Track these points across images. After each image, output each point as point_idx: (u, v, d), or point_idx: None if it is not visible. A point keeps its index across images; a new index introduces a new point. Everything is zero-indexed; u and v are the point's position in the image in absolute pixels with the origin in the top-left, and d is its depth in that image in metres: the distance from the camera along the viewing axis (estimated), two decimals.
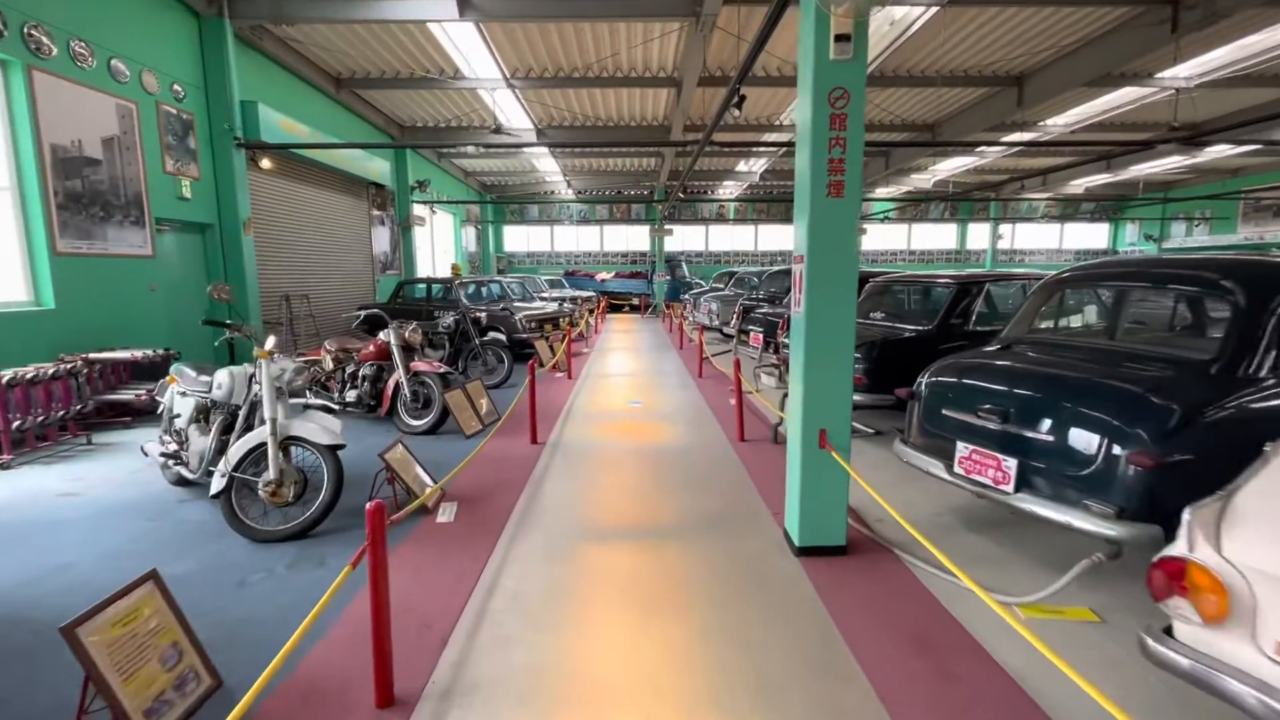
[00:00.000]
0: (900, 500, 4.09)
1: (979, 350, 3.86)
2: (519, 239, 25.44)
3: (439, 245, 18.76)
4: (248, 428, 3.84)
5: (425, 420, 5.86)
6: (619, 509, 4.00)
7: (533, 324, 10.35)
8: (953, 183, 21.64)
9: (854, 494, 3.49)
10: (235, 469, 3.55)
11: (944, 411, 3.54)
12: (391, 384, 5.93)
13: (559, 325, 10.95)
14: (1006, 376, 3.30)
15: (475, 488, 4.42)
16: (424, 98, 12.37)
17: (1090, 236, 26.38)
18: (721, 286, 15.54)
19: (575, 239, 25.52)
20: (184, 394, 4.15)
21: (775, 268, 12.56)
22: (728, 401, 7.21)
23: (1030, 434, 3.01)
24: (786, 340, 6.34)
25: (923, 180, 21.56)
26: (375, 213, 13.40)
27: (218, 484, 3.52)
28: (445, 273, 18.60)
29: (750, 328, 8.60)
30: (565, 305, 12.44)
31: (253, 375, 3.86)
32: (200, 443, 3.94)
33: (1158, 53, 9.43)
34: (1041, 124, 14.60)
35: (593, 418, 6.54)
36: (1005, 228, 25.39)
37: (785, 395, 6.22)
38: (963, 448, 3.36)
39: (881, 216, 23.68)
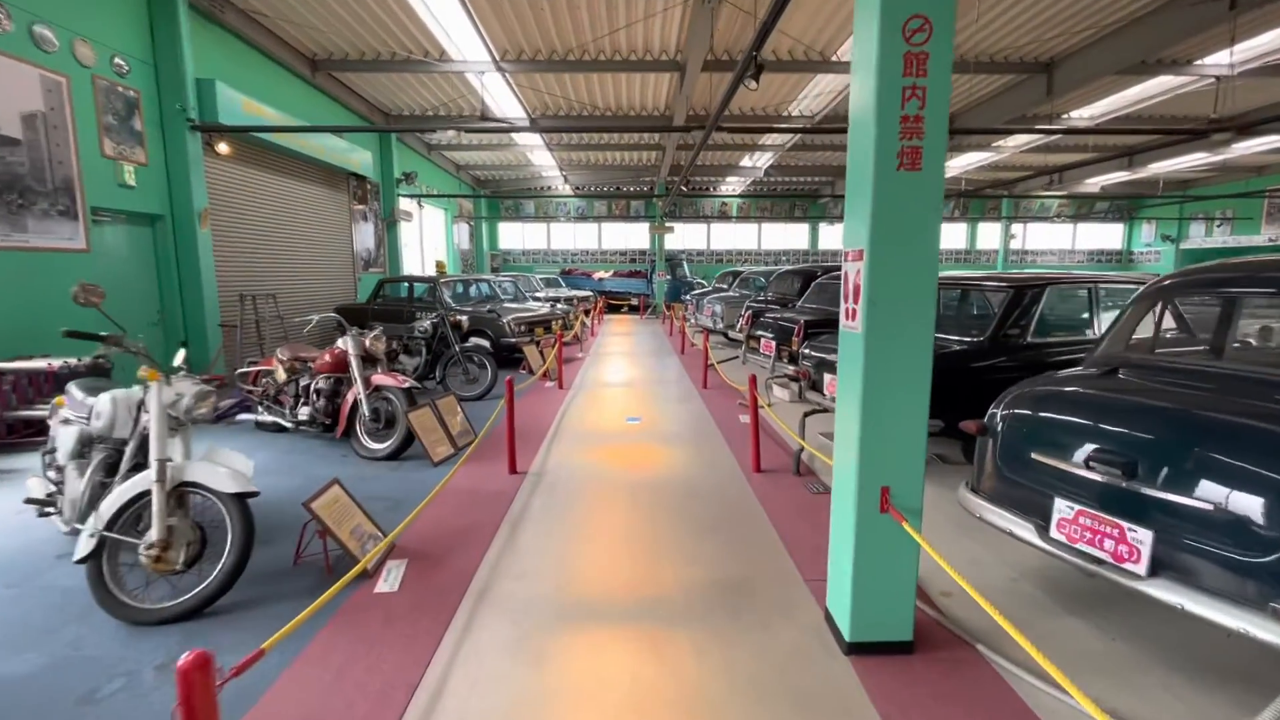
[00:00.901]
0: (963, 559, 3.26)
1: (1075, 374, 3.02)
2: (514, 236, 24.60)
3: (429, 242, 17.91)
4: (136, 468, 3.00)
5: (386, 444, 5.03)
6: (610, 575, 3.16)
7: (522, 327, 9.51)
8: (965, 180, 20.82)
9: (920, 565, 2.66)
10: (109, 526, 2.71)
11: (1033, 455, 2.71)
12: (349, 401, 5.09)
13: (551, 328, 10.12)
14: (1128, 412, 2.47)
15: (433, 538, 3.58)
16: (408, 84, 11.53)
17: (1104, 237, 25.57)
18: (725, 287, 14.71)
19: (572, 236, 24.68)
20: (66, 421, 3.31)
21: (784, 267, 11.72)
22: (737, 418, 6.38)
23: (1173, 497, 2.18)
24: (809, 351, 5.50)
25: None
26: (357, 207, 12.55)
27: (84, 546, 2.69)
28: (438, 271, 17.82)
29: (761, 333, 7.76)
30: (559, 306, 11.62)
31: (141, 402, 3.03)
32: (77, 485, 3.11)
33: (1207, 34, 8.62)
34: (1065, 117, 13.78)
35: (584, 438, 5.71)
36: (1017, 227, 24.56)
37: (807, 414, 5.40)
38: (1065, 507, 2.53)
39: None
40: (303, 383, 5.46)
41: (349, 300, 11.80)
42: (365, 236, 13.05)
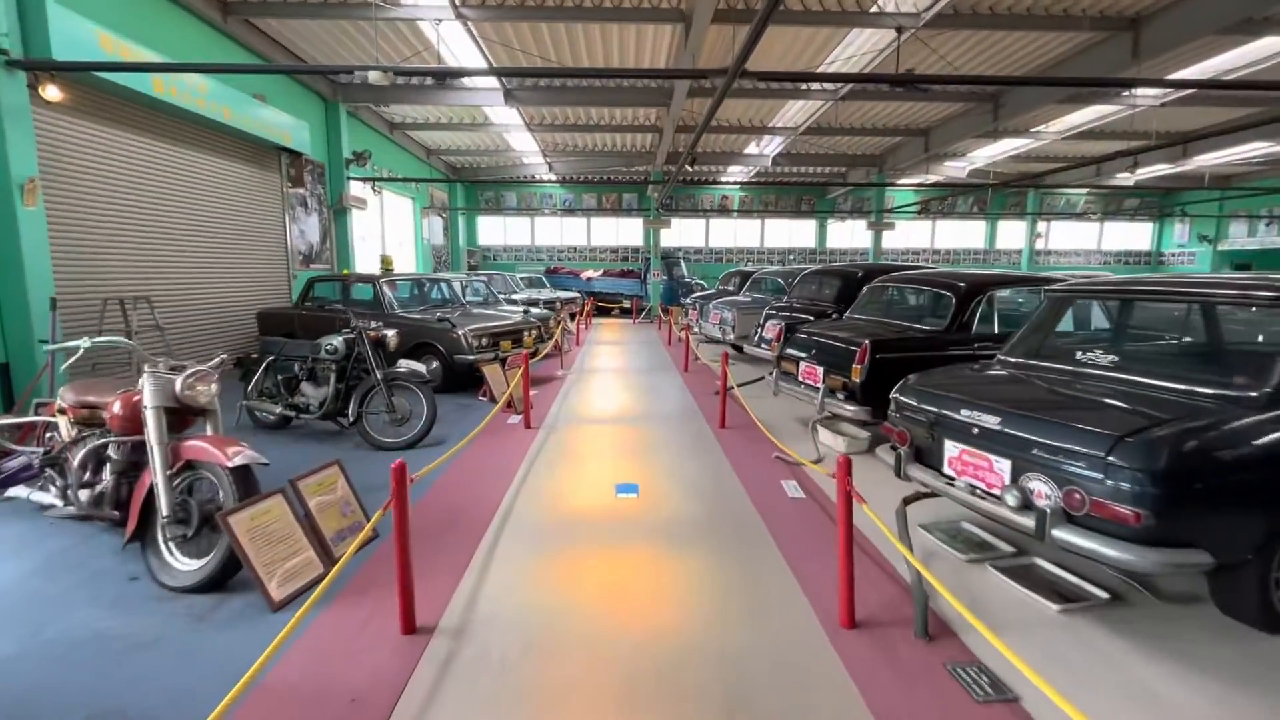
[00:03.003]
0: None
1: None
2: (495, 231, 22.44)
3: (393, 236, 15.75)
4: None
5: (200, 563, 2.92)
6: None
7: (484, 340, 7.41)
8: (993, 173, 18.90)
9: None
10: None
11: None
12: (143, 486, 2.99)
13: (522, 341, 8.02)
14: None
15: None
16: (348, 35, 9.37)
17: (1131, 237, 23.76)
18: (732, 289, 12.67)
19: (559, 232, 22.56)
20: None
21: (808, 267, 9.69)
22: (779, 486, 4.31)
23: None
24: (914, 401, 3.46)
25: (956, 169, 18.81)
26: (293, 190, 10.39)
27: None
28: (415, 267, 15.64)
29: (797, 354, 5.72)
30: (534, 312, 9.56)
31: None
32: None
33: None
34: (1131, 93, 11.85)
35: (547, 537, 3.62)
36: (1042, 225, 22.67)
37: (909, 501, 3.37)
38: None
39: (914, 211, 20.88)
40: (92, 444, 3.35)
41: (281, 303, 9.65)
42: (306, 226, 10.89)
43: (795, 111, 13.20)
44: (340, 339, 5.30)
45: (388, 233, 15.35)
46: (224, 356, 3.50)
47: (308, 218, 10.96)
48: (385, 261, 10.32)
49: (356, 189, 12.34)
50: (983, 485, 2.86)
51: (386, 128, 14.23)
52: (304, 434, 5.66)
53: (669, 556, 3.32)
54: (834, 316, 6.84)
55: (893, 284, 6.08)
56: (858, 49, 9.21)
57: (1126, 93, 12.02)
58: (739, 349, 10.87)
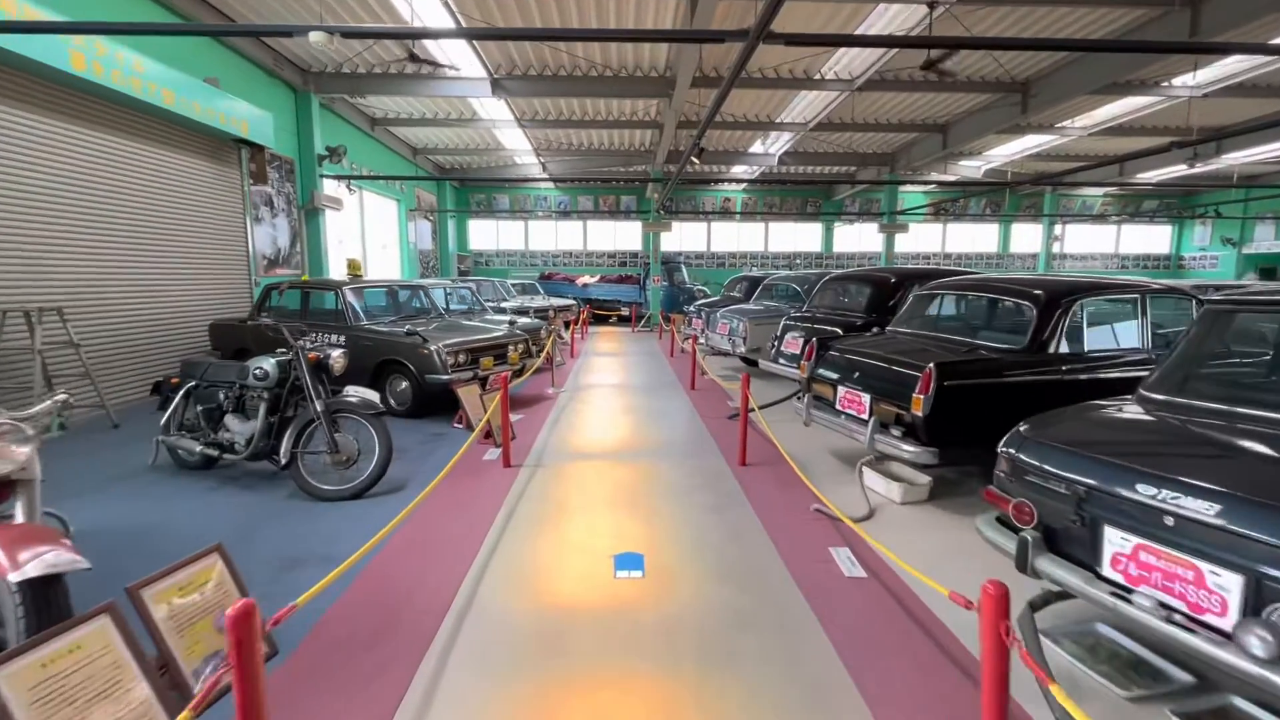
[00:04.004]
0: None
1: None
2: (487, 235, 21.43)
3: (376, 239, 14.75)
4: None
5: None
6: None
7: (462, 357, 6.39)
8: (1010, 172, 17.97)
9: None
10: None
11: None
12: None
13: (507, 357, 7.00)
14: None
15: None
16: (306, 8, 8.33)
17: (1149, 240, 22.85)
18: (739, 296, 11.68)
19: (554, 236, 21.57)
20: None
21: (832, 270, 8.70)
22: (827, 555, 3.28)
23: None
24: (1060, 471, 2.44)
25: (971, 169, 17.90)
26: (257, 187, 9.38)
27: None
28: (399, 272, 14.63)
29: (833, 376, 4.71)
30: (521, 323, 8.55)
31: None
32: None
33: None
34: (1166, 84, 10.93)
35: (519, 647, 2.57)
36: (1058, 228, 21.73)
37: (1036, 607, 2.36)
38: None
39: (923, 213, 19.91)
40: None
41: (243, 313, 8.60)
42: (273, 228, 9.87)
43: (806, 105, 12.25)
44: (272, 361, 4.27)
45: (370, 236, 14.35)
46: (63, 398, 2.48)
47: (274, 219, 9.95)
48: (353, 266, 9.30)
49: (330, 188, 11.33)
50: (1186, 607, 1.84)
51: (367, 124, 13.23)
52: (231, 478, 4.63)
53: (690, 684, 2.29)
54: (874, 330, 5.82)
55: (946, 292, 5.07)
56: (886, 25, 8.24)
57: (1166, 83, 11.09)
58: (751, 363, 9.86)
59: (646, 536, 3.61)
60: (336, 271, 11.64)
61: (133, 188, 7.15)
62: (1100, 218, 21.57)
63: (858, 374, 4.48)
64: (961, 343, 4.39)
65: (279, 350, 4.42)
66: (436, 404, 6.59)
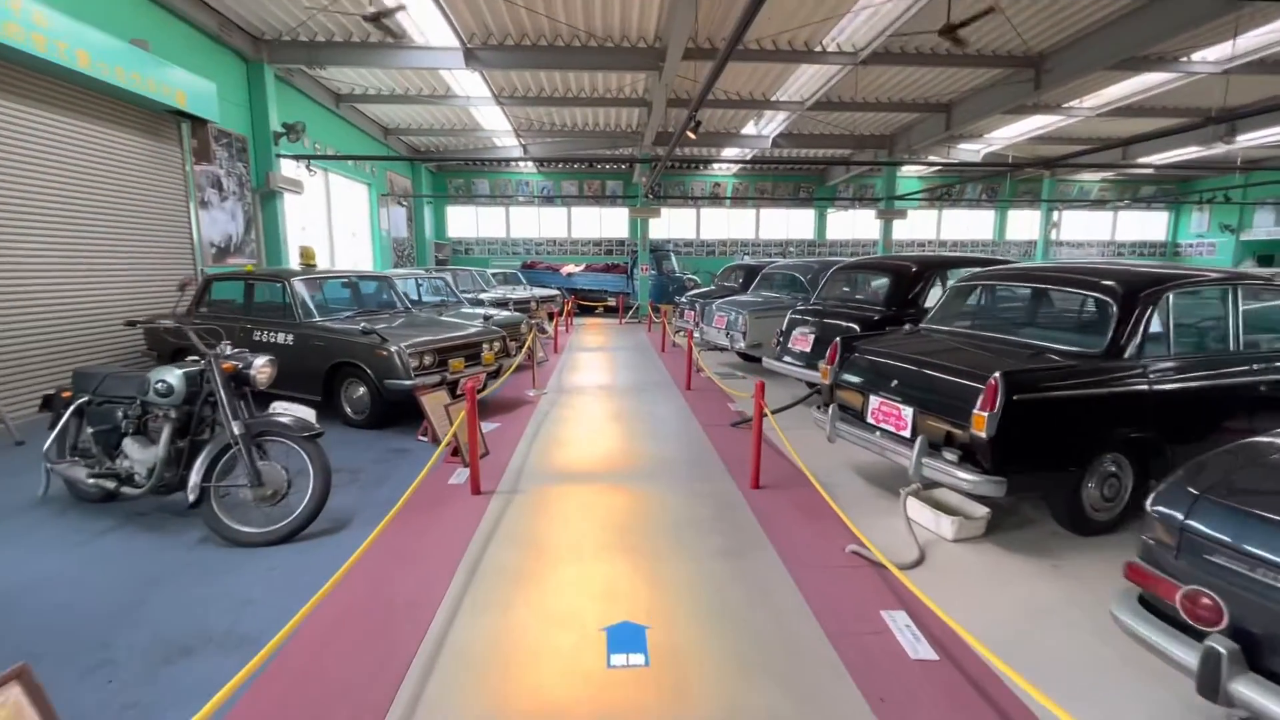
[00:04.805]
0: None
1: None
2: (466, 222, 20.43)
3: (345, 226, 13.76)
4: None
5: None
6: None
7: (426, 359, 5.57)
8: (1011, 156, 17.32)
9: None
10: None
11: None
12: None
13: (480, 358, 6.18)
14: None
15: None
16: None
17: (1148, 226, 22.42)
18: (734, 286, 10.92)
19: (536, 223, 20.62)
20: None
21: (839, 259, 7.96)
22: (879, 623, 2.52)
23: None
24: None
25: (971, 152, 17.23)
26: (202, 167, 8.41)
27: None
28: (373, 265, 13.62)
29: (862, 383, 3.97)
30: (500, 317, 7.70)
31: None
32: None
33: None
34: (1187, 60, 10.30)
35: None
36: (1055, 214, 21.19)
37: (1209, 678, 1.60)
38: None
39: (918, 199, 19.23)
40: None
41: (183, 307, 7.66)
42: (223, 213, 8.91)
43: (806, 80, 11.45)
44: (177, 373, 3.43)
45: (338, 223, 13.36)
46: None
47: (224, 202, 8.98)
48: (306, 255, 8.39)
49: (289, 169, 10.36)
50: None
51: (331, 100, 12.22)
52: (137, 513, 3.79)
53: None
54: (905, 327, 5.08)
55: (993, 283, 4.34)
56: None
57: (1186, 58, 10.45)
58: (750, 359, 9.14)
59: (647, 598, 2.85)
60: (295, 261, 10.68)
61: (46, 165, 6.19)
62: (1098, 203, 21.06)
63: (896, 382, 3.74)
64: (1019, 345, 3.66)
65: (189, 359, 3.58)
66: (401, 412, 5.78)
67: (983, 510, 3.47)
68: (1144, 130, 14.29)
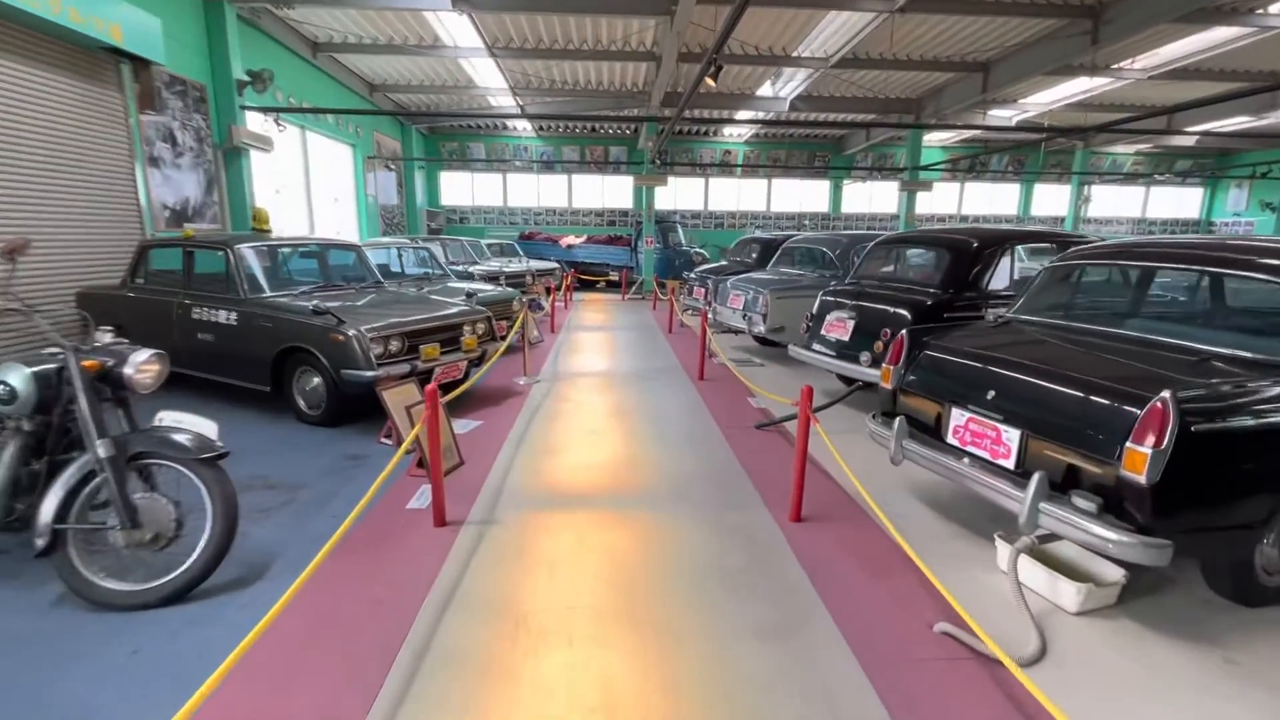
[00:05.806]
0: None
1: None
2: (461, 189, 19.29)
3: (326, 190, 12.69)
4: None
5: None
6: None
7: (393, 345, 4.65)
8: (1047, 123, 16.11)
9: None
10: None
11: None
12: None
13: (460, 343, 5.25)
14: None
15: None
16: None
17: (1182, 203, 21.22)
18: (749, 261, 9.93)
19: (535, 191, 19.47)
20: None
21: (876, 233, 6.97)
22: None
23: None
24: None
25: (1003, 119, 16.01)
26: (149, 117, 7.38)
27: None
28: (337, 232, 12.57)
29: (940, 391, 3.05)
30: (485, 294, 6.74)
31: None
32: None
33: None
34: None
35: None
36: (1087, 188, 19.98)
37: None
38: None
39: (945, 169, 18.03)
40: None
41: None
42: (177, 171, 7.89)
43: (833, 30, 10.26)
44: (24, 372, 2.51)
45: (318, 187, 12.29)
46: None
47: (179, 159, 7.96)
48: (259, 218, 7.39)
49: (256, 123, 9.29)
50: None
51: (307, 49, 11.05)
52: None
53: None
54: (991, 315, 4.13)
55: (1105, 263, 3.38)
56: None
57: (1262, 10, 9.29)
58: (769, 343, 8.21)
59: (663, 712, 1.97)
60: (275, 226, 9.66)
61: None
62: (1131, 177, 19.85)
63: (992, 392, 2.82)
64: (1170, 348, 2.72)
65: (48, 353, 2.66)
66: (365, 406, 4.87)
67: (1117, 573, 2.57)
68: (1197, 96, 13.11)
